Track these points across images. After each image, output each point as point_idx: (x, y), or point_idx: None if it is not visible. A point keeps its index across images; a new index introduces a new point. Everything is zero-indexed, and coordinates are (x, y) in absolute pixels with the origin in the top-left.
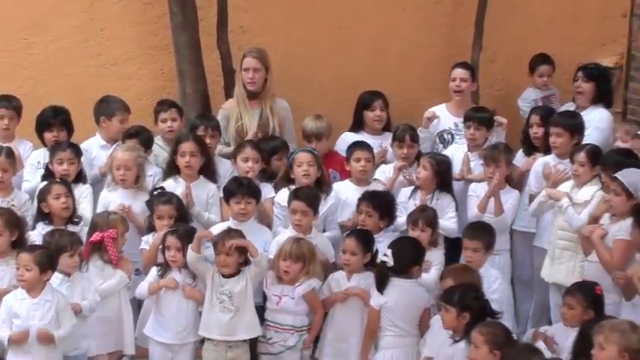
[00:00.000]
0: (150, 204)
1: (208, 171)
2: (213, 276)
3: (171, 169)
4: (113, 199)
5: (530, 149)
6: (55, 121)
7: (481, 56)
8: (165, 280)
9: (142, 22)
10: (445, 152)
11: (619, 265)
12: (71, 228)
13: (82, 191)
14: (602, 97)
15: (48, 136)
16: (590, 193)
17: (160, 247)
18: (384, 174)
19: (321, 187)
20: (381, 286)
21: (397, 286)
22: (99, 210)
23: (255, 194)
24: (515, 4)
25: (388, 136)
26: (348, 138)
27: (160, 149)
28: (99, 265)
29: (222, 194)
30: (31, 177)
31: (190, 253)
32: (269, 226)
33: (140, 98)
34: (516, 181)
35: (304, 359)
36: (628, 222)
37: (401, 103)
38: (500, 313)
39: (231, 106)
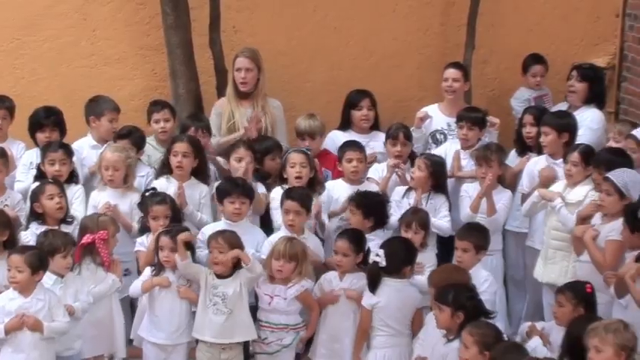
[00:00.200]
0: (143, 205)
1: (201, 173)
2: (206, 278)
3: (164, 168)
4: (102, 199)
5: (523, 149)
6: (47, 122)
7: (473, 56)
8: (158, 279)
9: (135, 22)
10: (438, 149)
11: (611, 266)
12: (64, 228)
13: (75, 192)
14: (595, 98)
15: (40, 136)
16: (583, 193)
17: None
18: (377, 173)
19: (314, 186)
20: (373, 286)
21: (389, 286)
22: (89, 210)
23: (249, 195)
24: (508, 4)
25: (376, 135)
26: (335, 137)
27: (153, 149)
28: (91, 267)
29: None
30: (23, 177)
31: (177, 261)
32: (261, 216)
33: (132, 98)
34: (509, 181)
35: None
36: (620, 222)
37: (393, 103)
38: (495, 312)
39: (223, 104)
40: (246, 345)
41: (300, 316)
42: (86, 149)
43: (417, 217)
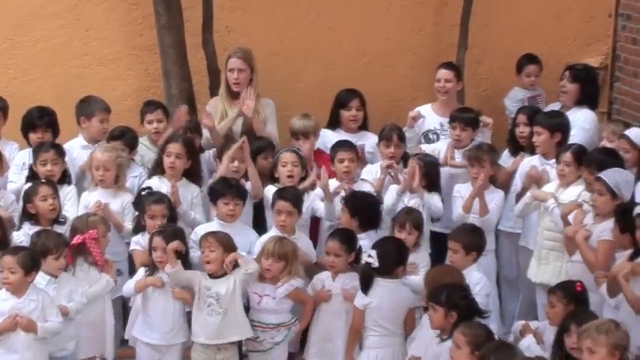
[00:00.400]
0: (138, 204)
1: (193, 174)
2: (200, 281)
3: (157, 168)
4: (93, 199)
5: (516, 149)
6: (40, 122)
7: (467, 56)
8: (151, 279)
9: (128, 22)
10: (433, 146)
11: (603, 266)
12: (57, 228)
13: (67, 192)
14: (587, 99)
15: (33, 137)
16: (576, 193)
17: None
18: (370, 174)
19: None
20: (365, 286)
21: (382, 286)
22: (81, 211)
23: (243, 196)
24: (501, 5)
25: (365, 135)
26: (325, 135)
27: (146, 149)
28: (84, 268)
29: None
30: (16, 178)
31: (167, 269)
32: (254, 216)
33: (125, 99)
34: (502, 181)
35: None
36: (612, 222)
37: (386, 103)
38: (489, 312)
39: (216, 103)
40: (239, 344)
41: (291, 313)
42: (77, 150)
43: (411, 217)
